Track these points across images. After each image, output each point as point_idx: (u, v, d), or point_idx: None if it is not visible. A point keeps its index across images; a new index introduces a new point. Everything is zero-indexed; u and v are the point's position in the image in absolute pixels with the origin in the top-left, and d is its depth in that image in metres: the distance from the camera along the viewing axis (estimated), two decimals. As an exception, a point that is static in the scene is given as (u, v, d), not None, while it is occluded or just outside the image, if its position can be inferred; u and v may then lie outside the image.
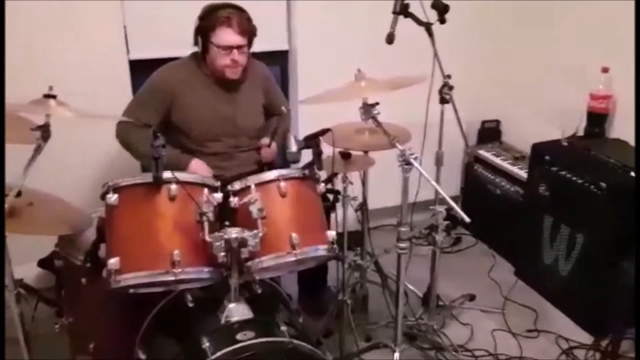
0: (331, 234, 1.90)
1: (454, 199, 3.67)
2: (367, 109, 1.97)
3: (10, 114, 1.74)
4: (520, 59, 3.45)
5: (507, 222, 3.16)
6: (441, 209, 2.25)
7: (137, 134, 2.25)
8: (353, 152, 2.36)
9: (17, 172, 1.67)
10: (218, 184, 1.83)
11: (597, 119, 2.87)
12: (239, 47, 2.22)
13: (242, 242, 1.66)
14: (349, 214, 2.60)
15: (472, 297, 2.87)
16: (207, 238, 1.63)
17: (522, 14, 3.38)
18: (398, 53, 2.81)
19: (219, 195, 1.75)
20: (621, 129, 2.87)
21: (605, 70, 2.80)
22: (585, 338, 2.61)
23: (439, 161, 2.59)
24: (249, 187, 1.79)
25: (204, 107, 2.31)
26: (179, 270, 1.63)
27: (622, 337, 2.52)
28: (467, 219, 1.83)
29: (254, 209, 1.72)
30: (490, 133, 3.63)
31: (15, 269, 1.81)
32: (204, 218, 1.65)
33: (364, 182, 2.58)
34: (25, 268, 2.09)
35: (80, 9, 2.67)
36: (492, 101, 3.61)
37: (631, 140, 2.79)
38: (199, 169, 2.26)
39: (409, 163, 1.87)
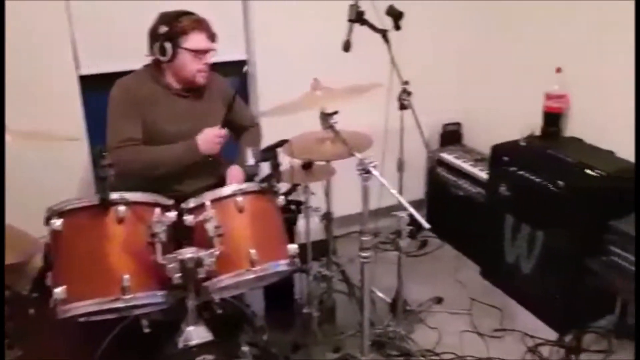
0: (292, 247, 1.87)
1: (419, 202, 3.70)
2: (325, 118, 1.96)
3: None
4: (478, 62, 3.49)
5: (471, 223, 3.19)
6: (404, 214, 2.25)
7: (147, 150, 2.18)
8: (316, 162, 2.35)
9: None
10: (171, 202, 1.78)
11: (553, 119, 2.92)
12: (209, 51, 2.22)
13: (198, 262, 1.62)
14: (314, 224, 2.60)
15: (439, 300, 2.88)
16: (160, 260, 1.59)
17: (479, 18, 3.42)
18: (357, 60, 2.83)
19: (172, 214, 1.70)
20: (576, 127, 2.92)
21: (559, 70, 2.85)
22: (551, 334, 2.65)
23: (400, 167, 2.60)
24: (204, 204, 1.75)
25: (168, 121, 2.24)
26: (130, 296, 1.58)
27: (584, 332, 2.57)
28: (426, 225, 1.82)
29: (209, 226, 1.68)
30: (451, 136, 3.66)
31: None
32: (156, 239, 1.60)
33: (327, 192, 2.56)
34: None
35: (26, 26, 2.59)
36: (453, 104, 3.65)
37: (586, 138, 2.86)
38: (206, 136, 2.21)
39: (368, 171, 1.86)
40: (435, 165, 3.50)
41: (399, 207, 2.30)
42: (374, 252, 2.73)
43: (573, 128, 2.94)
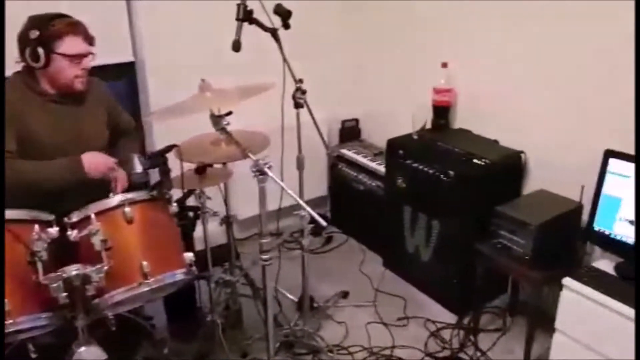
0: (188, 256, 1.81)
1: (323, 199, 3.74)
2: (216, 120, 1.92)
3: None
4: (371, 59, 3.58)
5: (373, 216, 3.28)
6: (305, 213, 2.26)
7: (23, 165, 1.97)
8: (215, 164, 2.29)
9: None
10: (52, 217, 1.66)
11: (442, 112, 3.06)
12: (87, 55, 2.08)
13: (85, 279, 1.53)
14: (215, 228, 2.54)
15: (345, 294, 2.93)
16: (42, 280, 1.48)
17: (369, 17, 3.50)
18: (251, 60, 2.80)
19: (53, 230, 1.59)
20: (463, 119, 3.08)
21: (444, 65, 2.99)
22: (451, 318, 2.78)
23: (300, 165, 2.60)
24: (88, 217, 1.65)
25: (45, 132, 2.06)
26: (10, 321, 1.46)
27: (481, 313, 2.72)
28: (323, 223, 1.82)
29: (96, 240, 1.59)
30: (350, 132, 3.74)
31: None
32: (36, 258, 1.49)
33: (225, 195, 2.51)
34: None
35: None
36: (351, 101, 3.73)
37: (473, 129, 3.02)
38: (96, 162, 2.02)
39: (263, 173, 1.84)
40: (336, 162, 3.56)
41: (301, 206, 2.33)
42: (279, 252, 2.75)
43: (461, 120, 3.10)
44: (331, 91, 3.61)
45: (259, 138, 2.32)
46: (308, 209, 1.83)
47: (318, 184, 3.69)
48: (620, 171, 2.15)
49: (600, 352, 2.05)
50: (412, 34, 3.27)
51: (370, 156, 3.40)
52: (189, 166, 2.20)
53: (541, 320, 2.36)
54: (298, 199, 1.84)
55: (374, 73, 3.59)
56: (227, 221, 2.47)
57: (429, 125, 3.08)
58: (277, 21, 2.36)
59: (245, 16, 2.25)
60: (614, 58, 2.32)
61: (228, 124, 1.91)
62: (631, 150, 2.14)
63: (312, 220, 2.28)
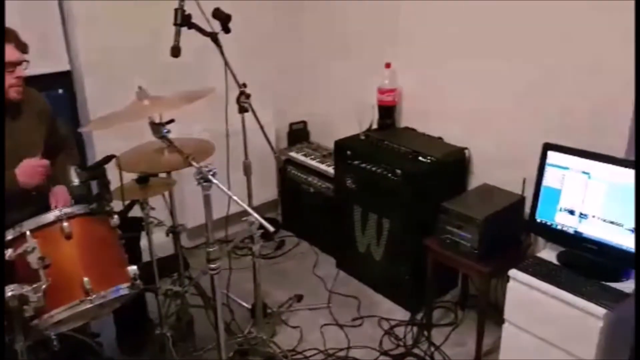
0: (132, 269, 1.76)
1: (274, 203, 3.72)
2: (156, 128, 1.87)
3: None
4: (319, 61, 3.58)
5: (324, 217, 3.28)
6: (254, 218, 2.23)
7: None
8: (160, 174, 2.24)
9: None
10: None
11: (387, 111, 3.09)
12: (20, 63, 1.99)
13: (22, 299, 1.46)
14: (161, 239, 2.48)
15: (299, 298, 2.92)
16: (-26, 304, 1.40)
17: (317, 19, 3.51)
18: (193, 65, 2.76)
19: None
20: (408, 118, 3.12)
21: (388, 65, 3.02)
22: (405, 315, 2.81)
23: (247, 170, 2.58)
24: (24, 235, 1.57)
25: None
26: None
27: (433, 308, 2.76)
28: (271, 229, 1.81)
29: (32, 258, 1.52)
30: (298, 134, 3.73)
31: None
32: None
33: (171, 204, 2.45)
34: None
35: None
36: (298, 103, 3.72)
37: (418, 127, 3.07)
38: (25, 169, 1.93)
39: (207, 180, 1.81)
40: (285, 165, 3.54)
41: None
42: (229, 259, 2.71)
43: (406, 119, 3.14)
44: (278, 94, 3.61)
45: (203, 145, 2.28)
46: (255, 214, 1.81)
47: (268, 188, 3.67)
48: (559, 163, 2.22)
49: (547, 340, 2.11)
50: (355, 35, 3.29)
51: (319, 158, 3.40)
52: (132, 176, 2.14)
53: (491, 312, 2.42)
54: (244, 205, 1.82)
55: (321, 75, 3.60)
56: (174, 231, 2.41)
57: (375, 125, 3.11)
58: (217, 25, 2.35)
59: (184, 21, 2.21)
60: (549, 56, 2.40)
61: (169, 131, 1.86)
62: (567, 143, 2.22)
63: (262, 226, 2.29)
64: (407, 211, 2.71)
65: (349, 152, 2.94)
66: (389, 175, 2.72)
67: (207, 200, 1.86)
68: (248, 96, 2.44)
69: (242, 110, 2.45)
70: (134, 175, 2.14)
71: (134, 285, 1.74)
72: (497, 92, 2.65)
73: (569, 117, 2.38)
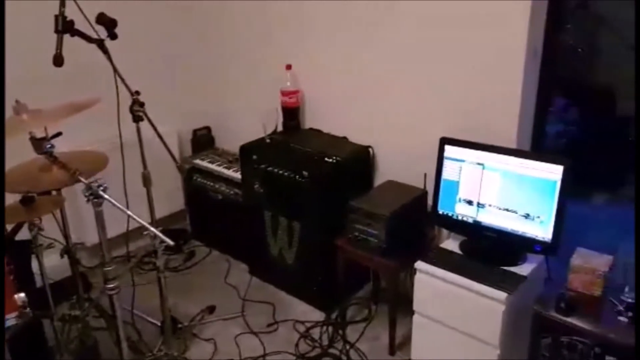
0: (20, 297, 1.62)
1: (181, 213, 3.60)
2: (37, 144, 1.75)
3: None
4: (219, 64, 3.51)
5: (234, 224, 3.21)
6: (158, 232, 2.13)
7: None
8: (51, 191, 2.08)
9: None
10: None
11: (291, 113, 3.08)
12: None
13: None
14: (58, 261, 2.32)
15: (212, 309, 2.84)
16: None
17: (215, 21, 3.43)
18: (79, 74, 2.60)
19: None
20: (313, 119, 3.13)
21: (289, 67, 3.01)
22: (320, 316, 2.81)
23: (146, 182, 2.46)
24: None
25: None
26: None
27: (347, 306, 2.78)
28: (170, 243, 1.74)
29: None
30: (203, 140, 3.63)
31: None
32: None
33: (63, 223, 2.29)
34: None
35: None
36: (201, 109, 3.63)
37: (323, 128, 3.08)
38: None
39: (98, 196, 1.70)
40: (190, 173, 3.43)
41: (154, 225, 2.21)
42: (132, 276, 2.59)
43: (311, 120, 3.15)
44: (179, 100, 3.49)
45: (95, 157, 2.14)
46: (151, 228, 1.73)
47: (175, 198, 3.54)
48: (455, 156, 2.30)
49: (454, 327, 2.19)
50: (255, 37, 3.26)
51: (225, 164, 3.33)
52: (16, 197, 1.98)
53: (402, 304, 2.46)
54: (138, 219, 1.73)
55: (223, 79, 3.53)
56: (69, 251, 2.26)
57: (280, 128, 3.08)
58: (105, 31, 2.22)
59: (65, 28, 2.07)
60: (444, 55, 2.49)
61: (52, 146, 1.74)
62: (462, 137, 2.30)
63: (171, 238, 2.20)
64: (316, 212, 2.71)
65: (254, 156, 2.90)
66: (296, 177, 2.71)
67: (99, 218, 1.76)
68: (142, 104, 2.33)
69: (137, 119, 2.34)
70: (18, 196, 1.98)
71: (22, 314, 1.60)
72: (396, 90, 2.71)
73: (463, 112, 2.48)
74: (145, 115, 2.35)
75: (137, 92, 2.32)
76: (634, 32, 3.61)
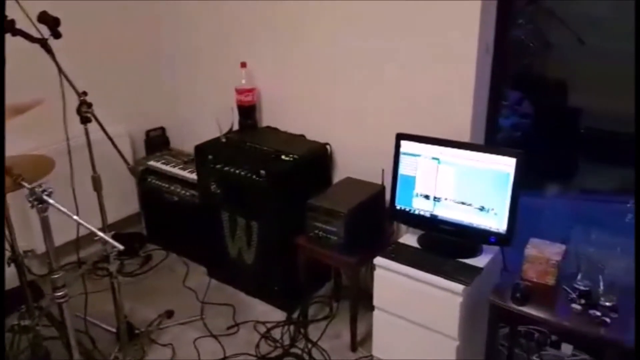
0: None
1: (137, 216, 3.51)
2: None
3: None
4: (171, 63, 3.44)
5: (191, 226, 3.15)
6: (108, 237, 2.06)
7: None
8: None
9: None
10: None
11: (247, 112, 3.03)
12: None
13: None
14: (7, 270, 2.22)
15: (170, 314, 2.78)
16: None
17: (159, 18, 3.36)
18: (22, 75, 2.49)
19: None
20: (269, 117, 3.10)
21: (243, 65, 2.96)
22: (281, 315, 2.78)
23: (96, 185, 2.38)
24: None
25: None
26: None
27: (309, 304, 2.77)
28: (120, 247, 1.68)
29: None
30: (157, 142, 3.55)
31: None
32: None
33: (9, 231, 2.19)
34: None
35: None
36: (154, 109, 3.55)
37: (279, 126, 3.05)
38: None
39: (42, 201, 1.63)
40: (144, 175, 3.34)
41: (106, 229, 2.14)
42: (84, 283, 2.51)
43: (267, 118, 3.11)
44: (131, 101, 3.41)
45: (40, 162, 2.06)
46: (99, 233, 1.67)
47: (130, 201, 3.45)
48: (411, 151, 2.31)
49: (414, 321, 2.20)
50: (208, 35, 3.20)
51: (180, 165, 3.26)
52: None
53: (364, 301, 2.46)
54: (85, 224, 1.67)
55: (177, 78, 3.46)
56: (15, 260, 2.17)
57: (236, 127, 3.04)
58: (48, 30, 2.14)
59: (6, 27, 1.98)
60: (401, 52, 2.49)
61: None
62: (418, 132, 2.31)
63: (125, 242, 2.13)
64: (275, 211, 2.68)
65: (210, 156, 2.84)
66: (253, 176, 2.67)
67: (44, 223, 1.69)
68: (90, 105, 2.26)
69: (85, 120, 2.27)
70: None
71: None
72: (353, 87, 2.71)
73: (419, 108, 2.50)
74: (94, 116, 2.28)
75: (85, 93, 2.25)
76: (583, 26, 3.73)
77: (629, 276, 1.99)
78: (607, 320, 1.87)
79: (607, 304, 1.93)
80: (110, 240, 1.66)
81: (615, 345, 1.83)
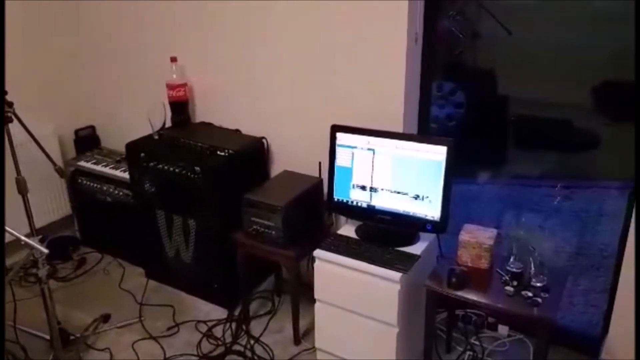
0: None
1: (69, 218, 3.37)
2: None
3: None
4: (98, 60, 3.31)
5: (126, 227, 3.05)
6: (35, 242, 1.97)
7: None
8: None
9: None
10: None
11: (179, 107, 2.96)
12: None
13: None
14: None
15: (106, 318, 2.68)
16: None
17: (91, 13, 3.22)
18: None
19: None
20: (203, 112, 3.03)
21: (174, 60, 2.88)
22: (223, 313, 2.74)
23: (21, 188, 2.26)
24: None
25: None
26: None
27: (250, 300, 2.74)
28: (44, 251, 1.60)
29: None
30: (87, 141, 3.41)
31: None
32: None
33: None
34: None
35: None
36: (83, 108, 3.41)
37: (214, 121, 2.99)
38: None
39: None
40: (75, 176, 3.21)
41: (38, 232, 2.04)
42: (12, 290, 2.39)
43: (201, 114, 3.04)
44: (57, 99, 3.26)
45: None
46: (21, 237, 1.58)
47: (61, 204, 3.31)
48: (347, 143, 2.32)
49: (354, 311, 2.21)
50: (135, 29, 3.09)
51: (112, 164, 3.14)
52: None
53: (306, 294, 2.46)
54: (8, 229, 1.57)
55: (103, 74, 3.32)
56: None
57: (169, 123, 2.96)
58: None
59: None
60: (333, 44, 2.49)
61: None
62: (353, 124, 2.32)
63: (51, 247, 2.04)
64: (212, 208, 2.63)
65: (142, 154, 2.75)
66: (188, 173, 2.61)
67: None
68: (10, 104, 2.16)
69: (6, 120, 2.16)
70: None
71: None
72: (287, 80, 2.69)
73: (353, 99, 2.51)
74: (16, 116, 2.18)
75: (4, 92, 2.14)
76: (510, 17, 3.87)
77: (557, 256, 2.08)
78: (539, 300, 1.95)
79: (538, 284, 2.01)
80: (37, 245, 1.58)
81: (547, 323, 1.91)
